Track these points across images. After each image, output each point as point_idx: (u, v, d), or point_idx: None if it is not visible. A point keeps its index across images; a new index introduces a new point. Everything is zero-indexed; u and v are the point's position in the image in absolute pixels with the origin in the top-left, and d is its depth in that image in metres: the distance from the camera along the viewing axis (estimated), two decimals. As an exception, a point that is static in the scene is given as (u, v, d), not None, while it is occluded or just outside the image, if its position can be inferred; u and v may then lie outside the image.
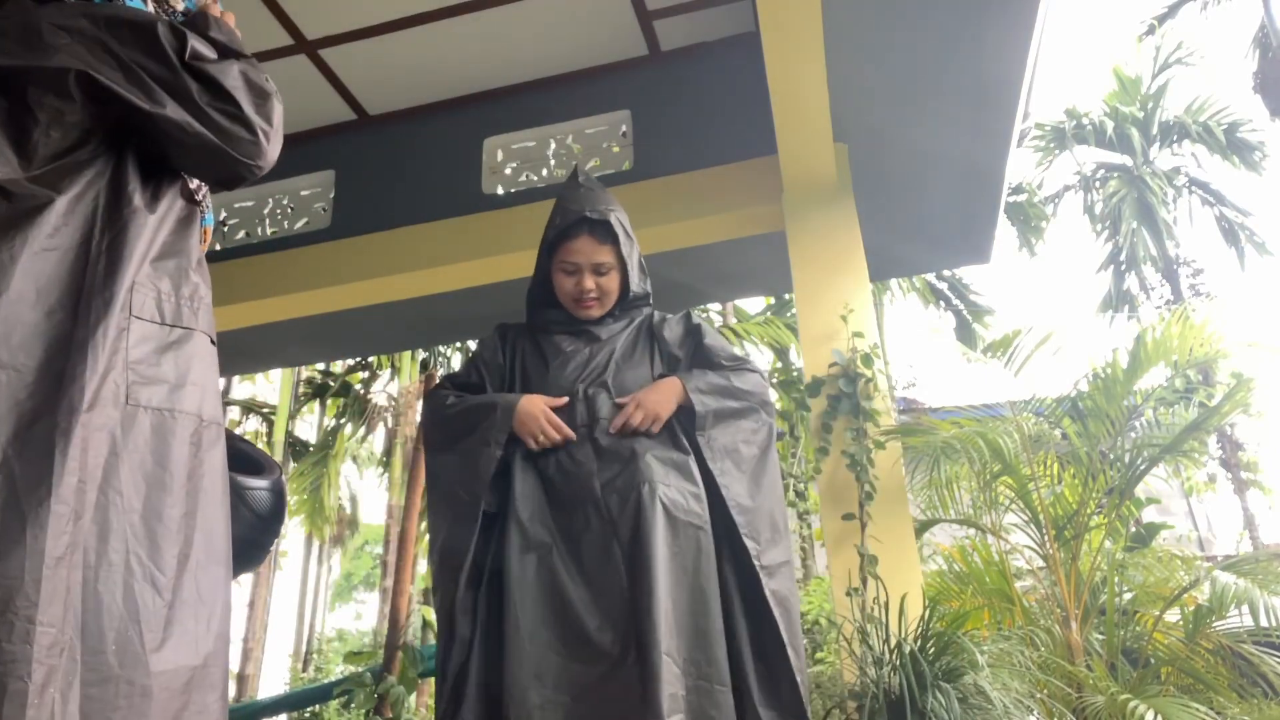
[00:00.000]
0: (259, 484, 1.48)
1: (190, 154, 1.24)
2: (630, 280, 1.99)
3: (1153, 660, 3.35)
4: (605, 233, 1.95)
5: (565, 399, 1.85)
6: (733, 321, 10.60)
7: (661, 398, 1.87)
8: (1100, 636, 3.36)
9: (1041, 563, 3.57)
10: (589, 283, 1.94)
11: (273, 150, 1.30)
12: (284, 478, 1.58)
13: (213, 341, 1.27)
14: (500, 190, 4.31)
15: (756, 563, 1.77)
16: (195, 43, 1.24)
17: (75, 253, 1.12)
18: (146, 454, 1.12)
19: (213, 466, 1.21)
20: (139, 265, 1.17)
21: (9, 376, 1.03)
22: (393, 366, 12.63)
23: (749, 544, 1.78)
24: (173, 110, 1.19)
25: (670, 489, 1.75)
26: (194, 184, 1.33)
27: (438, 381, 2.12)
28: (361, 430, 13.75)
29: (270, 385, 18.15)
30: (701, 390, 1.90)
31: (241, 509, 1.43)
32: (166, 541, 1.11)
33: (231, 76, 1.25)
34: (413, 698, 9.65)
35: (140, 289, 1.16)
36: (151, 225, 1.21)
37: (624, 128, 4.19)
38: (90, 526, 1.04)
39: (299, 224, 4.62)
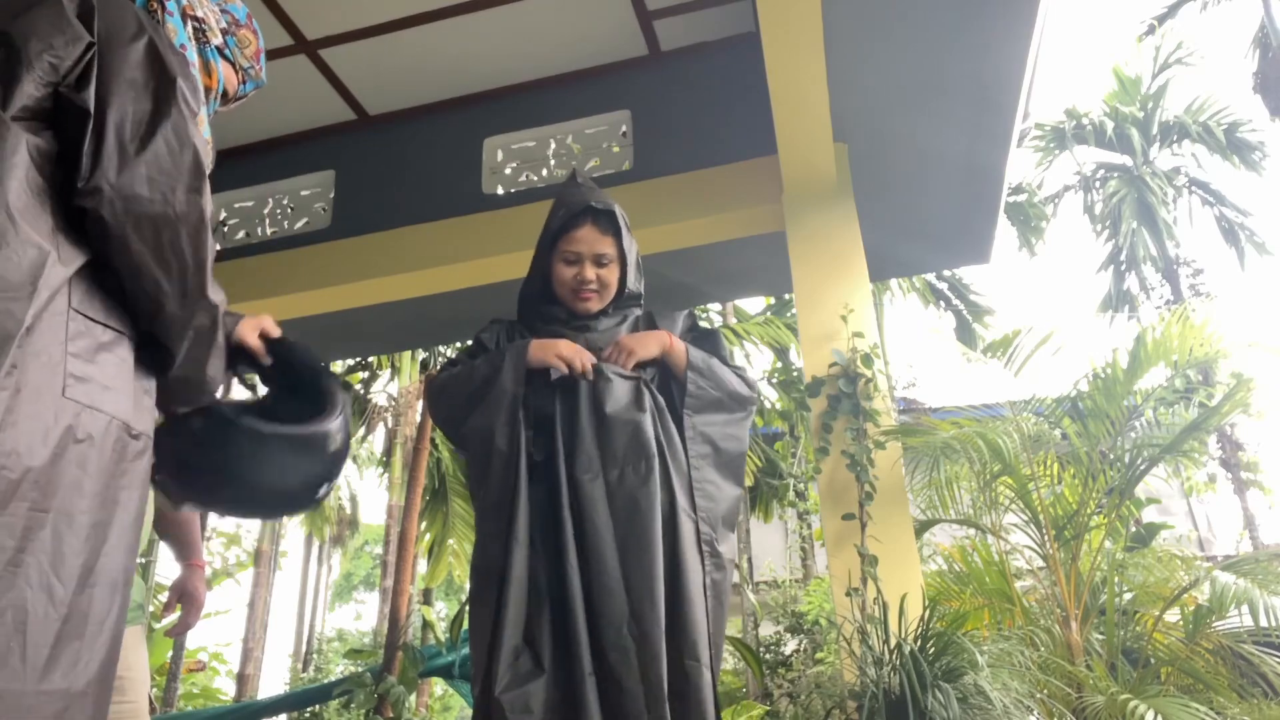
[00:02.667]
0: (331, 427, 1.40)
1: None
2: (628, 277, 1.98)
3: (1153, 660, 3.35)
4: (609, 223, 1.95)
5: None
6: (733, 321, 10.59)
7: (642, 339, 1.91)
8: (1100, 636, 3.36)
9: (1041, 563, 3.57)
10: (590, 273, 1.92)
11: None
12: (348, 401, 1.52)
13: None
14: (500, 190, 4.31)
15: (708, 548, 1.78)
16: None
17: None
18: (70, 452, 1.02)
19: (134, 480, 1.12)
20: (84, 256, 1.10)
21: None
22: (393, 366, 12.64)
23: (704, 529, 1.79)
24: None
25: (668, 471, 1.77)
26: None
27: (436, 372, 2.13)
28: (361, 430, 13.75)
29: (270, 385, 18.13)
30: (695, 364, 1.91)
31: (316, 451, 1.38)
32: (71, 551, 1.01)
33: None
34: (413, 698, 9.64)
35: (80, 279, 1.09)
36: None
37: (624, 128, 4.19)
38: (8, 521, 0.94)
39: (299, 224, 4.62)
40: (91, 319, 1.09)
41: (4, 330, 0.96)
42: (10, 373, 0.97)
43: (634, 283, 2.01)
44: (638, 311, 2.06)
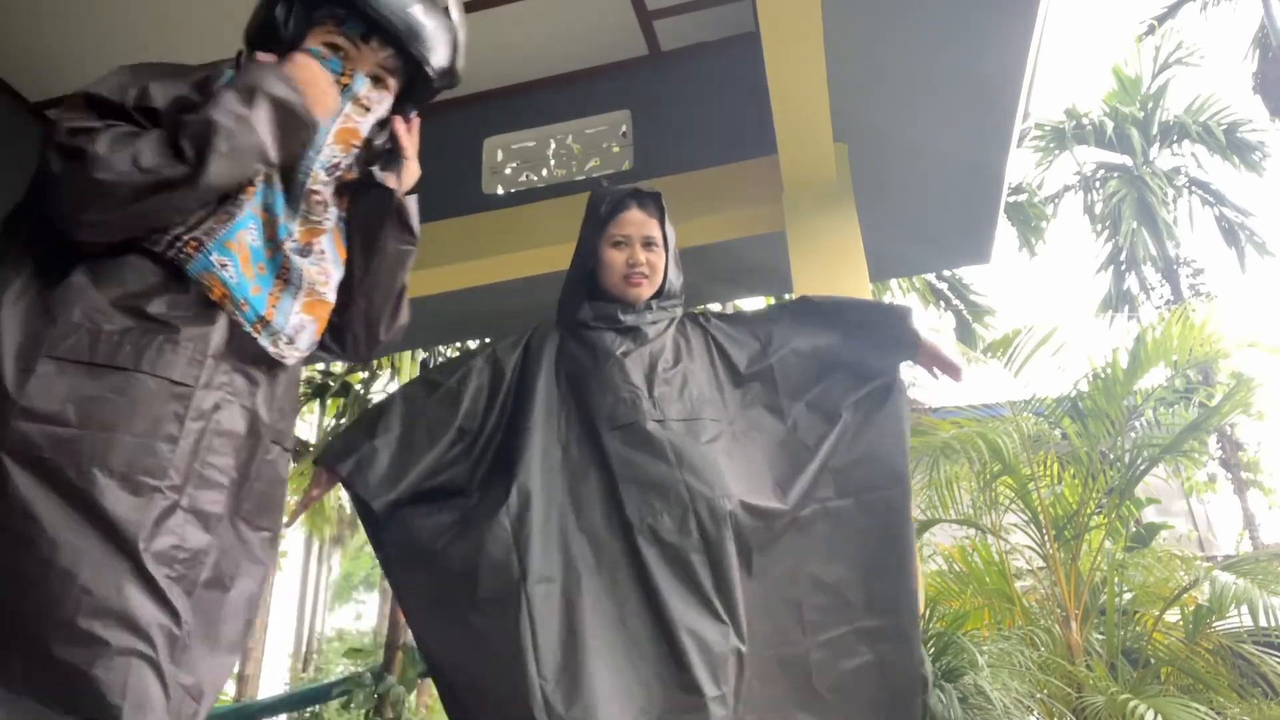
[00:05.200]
0: None
1: None
2: (669, 268, 1.94)
3: (1153, 660, 3.35)
4: (654, 207, 1.95)
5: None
6: (733, 321, 10.58)
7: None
8: (1100, 636, 3.37)
9: (1041, 563, 3.58)
10: (640, 255, 1.89)
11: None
12: None
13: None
14: (500, 190, 4.31)
15: None
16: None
17: None
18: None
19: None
20: None
21: None
22: (392, 366, 12.62)
23: None
24: None
25: (752, 497, 1.64)
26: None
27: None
28: (361, 430, 13.71)
29: (270, 385, 18.14)
30: None
31: None
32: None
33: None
34: (412, 697, 9.64)
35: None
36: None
37: (624, 128, 4.19)
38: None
39: (299, 224, 4.62)
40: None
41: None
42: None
43: (675, 277, 1.96)
44: (679, 312, 1.98)
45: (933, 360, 1.88)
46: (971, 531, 3.84)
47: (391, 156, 1.46)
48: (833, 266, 3.58)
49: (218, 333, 1.21)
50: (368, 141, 1.43)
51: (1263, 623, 2.91)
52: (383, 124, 1.45)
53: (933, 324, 11.69)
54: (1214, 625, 3.25)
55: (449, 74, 1.47)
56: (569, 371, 1.83)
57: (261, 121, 1.21)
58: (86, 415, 1.07)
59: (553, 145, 4.31)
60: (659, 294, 1.93)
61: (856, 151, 3.75)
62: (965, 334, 10.96)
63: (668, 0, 3.88)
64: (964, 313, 11.22)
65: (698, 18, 3.97)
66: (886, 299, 11.35)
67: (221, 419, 1.21)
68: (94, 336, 1.12)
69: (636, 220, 1.93)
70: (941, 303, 11.37)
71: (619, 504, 1.61)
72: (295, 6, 1.36)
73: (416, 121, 1.49)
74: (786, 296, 9.19)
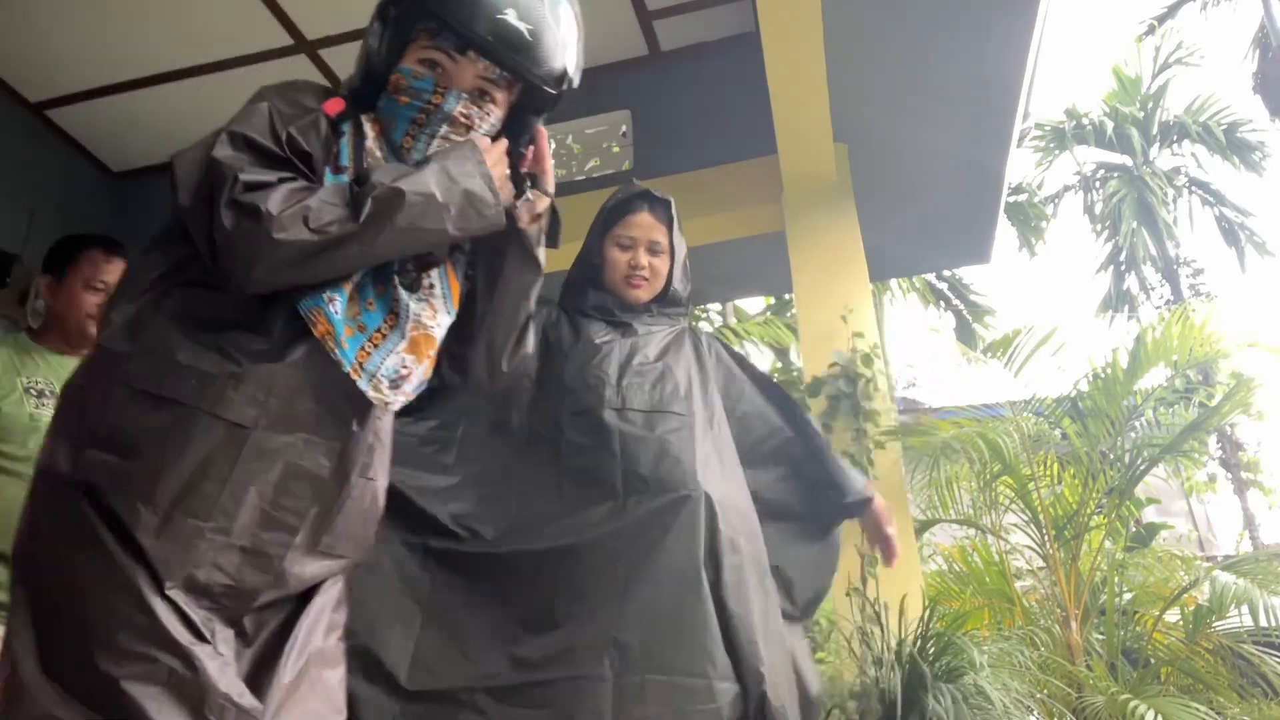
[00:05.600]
0: None
1: None
2: (674, 274, 1.94)
3: (1153, 660, 3.35)
4: (664, 213, 1.95)
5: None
6: (733, 321, 10.59)
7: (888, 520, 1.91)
8: (1100, 636, 3.37)
9: (1041, 563, 3.58)
10: (643, 259, 1.90)
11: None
12: None
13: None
14: (500, 190, 4.31)
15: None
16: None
17: None
18: None
19: None
20: None
21: None
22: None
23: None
24: None
25: (717, 492, 1.63)
26: None
27: None
28: (361, 430, 13.74)
29: (270, 385, 18.17)
30: None
31: None
32: None
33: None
34: (413, 698, 9.64)
35: None
36: None
37: (624, 128, 4.19)
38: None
39: (299, 224, 4.62)
40: None
41: None
42: None
43: (680, 283, 1.97)
44: (684, 323, 1.99)
45: (875, 526, 1.90)
46: (971, 531, 3.85)
47: (520, 180, 1.33)
48: (833, 266, 3.58)
49: (289, 372, 1.16)
50: None
51: (1263, 623, 2.92)
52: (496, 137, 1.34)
53: (932, 324, 11.72)
54: (1214, 625, 3.25)
55: (562, 79, 1.31)
56: (549, 350, 1.85)
57: (450, 212, 1.19)
58: (143, 448, 1.08)
59: (553, 145, 4.29)
60: (661, 299, 1.95)
61: (856, 151, 3.75)
62: (965, 334, 10.98)
63: (668, 0, 3.89)
64: (964, 313, 11.23)
65: (698, 18, 3.97)
66: (886, 299, 11.37)
67: (303, 460, 1.17)
68: (166, 366, 1.12)
69: (645, 223, 1.94)
70: (941, 303, 11.38)
71: (560, 491, 1.64)
72: (388, 27, 1.29)
73: (544, 135, 1.36)
74: (787, 296, 9.20)
